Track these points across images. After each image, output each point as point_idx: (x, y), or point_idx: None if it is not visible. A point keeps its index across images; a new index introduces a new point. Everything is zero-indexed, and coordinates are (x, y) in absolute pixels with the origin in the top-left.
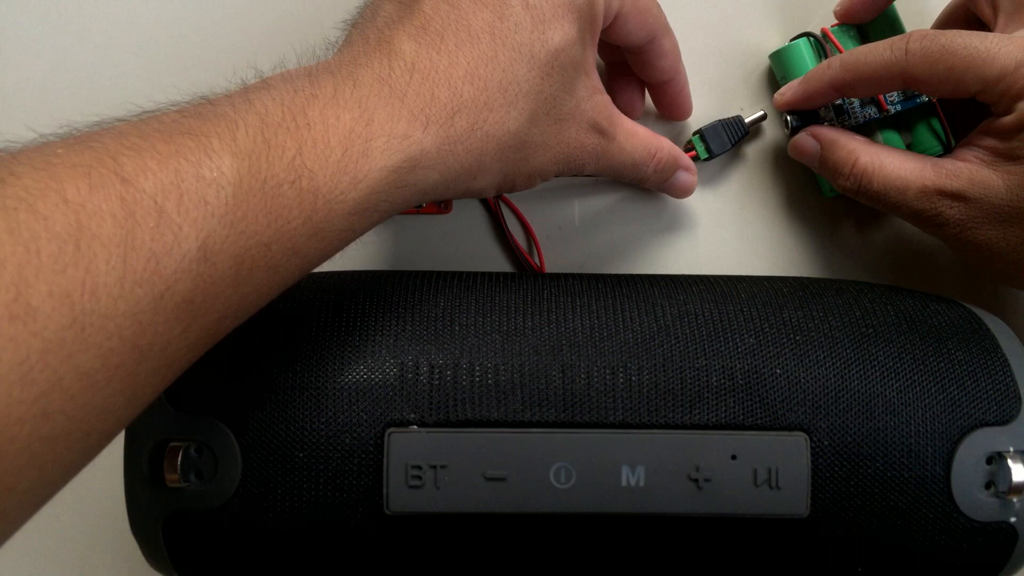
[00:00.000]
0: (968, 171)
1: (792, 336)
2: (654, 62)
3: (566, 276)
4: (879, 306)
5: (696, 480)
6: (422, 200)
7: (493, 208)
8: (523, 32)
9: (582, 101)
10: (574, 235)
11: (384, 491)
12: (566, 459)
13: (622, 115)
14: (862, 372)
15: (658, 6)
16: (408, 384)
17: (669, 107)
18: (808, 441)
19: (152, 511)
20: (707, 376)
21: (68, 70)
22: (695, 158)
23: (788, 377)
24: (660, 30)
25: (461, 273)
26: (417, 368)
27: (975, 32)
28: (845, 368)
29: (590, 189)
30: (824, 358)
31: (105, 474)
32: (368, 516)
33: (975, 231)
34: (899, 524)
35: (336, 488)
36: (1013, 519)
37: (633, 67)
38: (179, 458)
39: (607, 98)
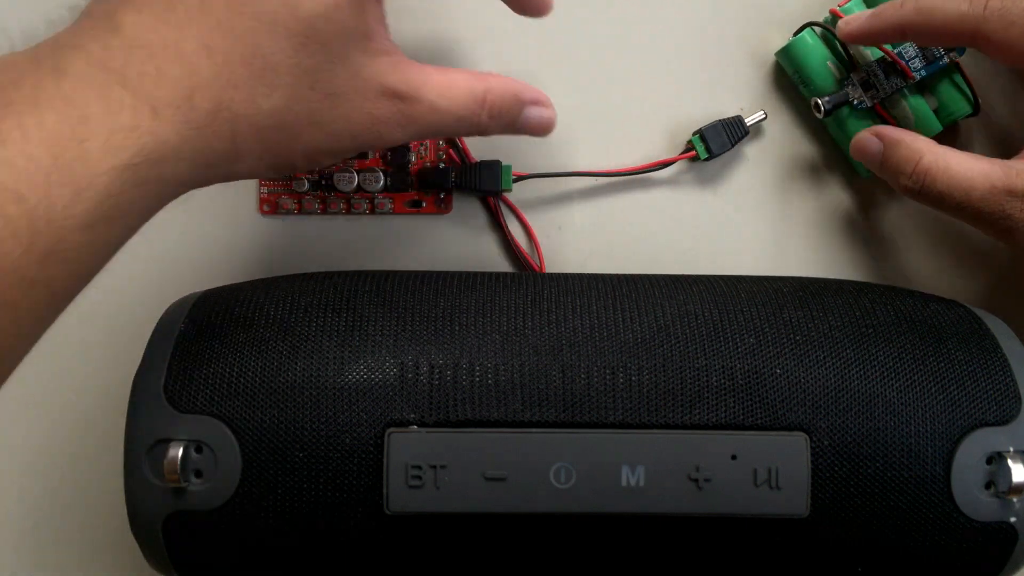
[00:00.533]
0: None
1: (792, 336)
2: None
3: (566, 276)
4: (879, 306)
5: (696, 480)
6: (179, 193)
7: (493, 208)
8: (266, 0)
9: (363, 68)
10: (574, 235)
11: (384, 491)
12: (566, 459)
13: (428, 69)
14: (862, 372)
15: None
16: (408, 384)
17: (523, 7)
18: (808, 441)
19: (152, 511)
20: (707, 376)
21: None
22: (695, 158)
23: (788, 377)
24: None
25: (461, 273)
26: (417, 368)
27: None
28: (845, 368)
29: (590, 189)
30: (824, 358)
31: (105, 474)
32: (368, 516)
33: None
34: (899, 524)
35: (336, 488)
36: (1013, 519)
37: None
38: (179, 458)
39: (399, 58)
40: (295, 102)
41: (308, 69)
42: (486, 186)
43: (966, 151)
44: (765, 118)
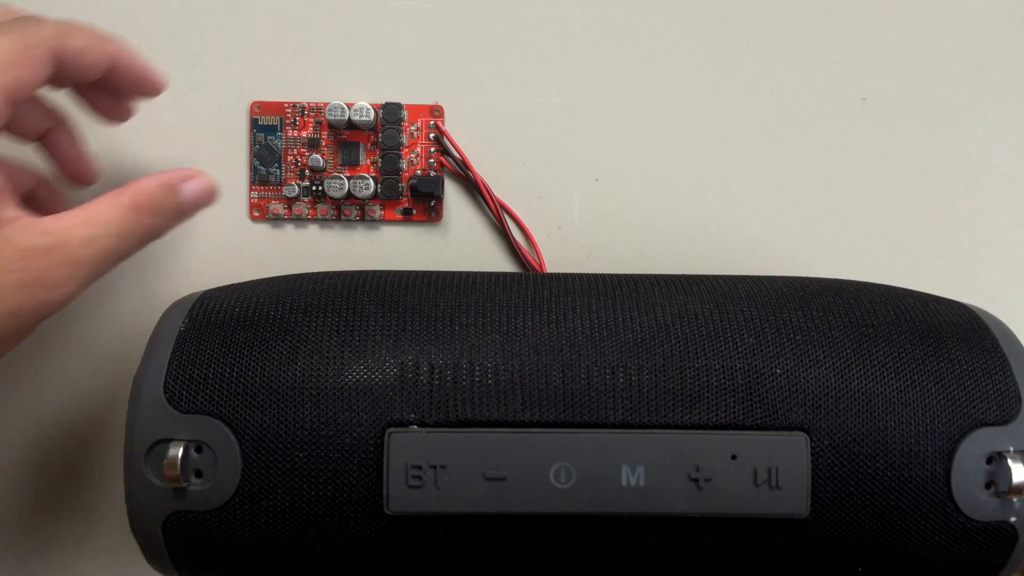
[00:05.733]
0: None
1: (792, 336)
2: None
3: (566, 276)
4: (879, 306)
5: (696, 480)
6: None
7: (494, 212)
8: None
9: None
10: (574, 235)
11: (384, 491)
12: (566, 459)
13: (65, 213)
14: (862, 372)
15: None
16: (408, 384)
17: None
18: (808, 441)
19: (152, 511)
20: (707, 376)
21: None
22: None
23: (788, 377)
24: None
25: (461, 273)
26: (417, 368)
27: None
28: (845, 368)
29: (591, 189)
30: (824, 358)
31: (105, 474)
32: (368, 516)
33: None
34: (899, 524)
35: (336, 488)
36: (1013, 519)
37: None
38: (179, 458)
39: (27, 219)
40: None
41: None
42: None
43: None
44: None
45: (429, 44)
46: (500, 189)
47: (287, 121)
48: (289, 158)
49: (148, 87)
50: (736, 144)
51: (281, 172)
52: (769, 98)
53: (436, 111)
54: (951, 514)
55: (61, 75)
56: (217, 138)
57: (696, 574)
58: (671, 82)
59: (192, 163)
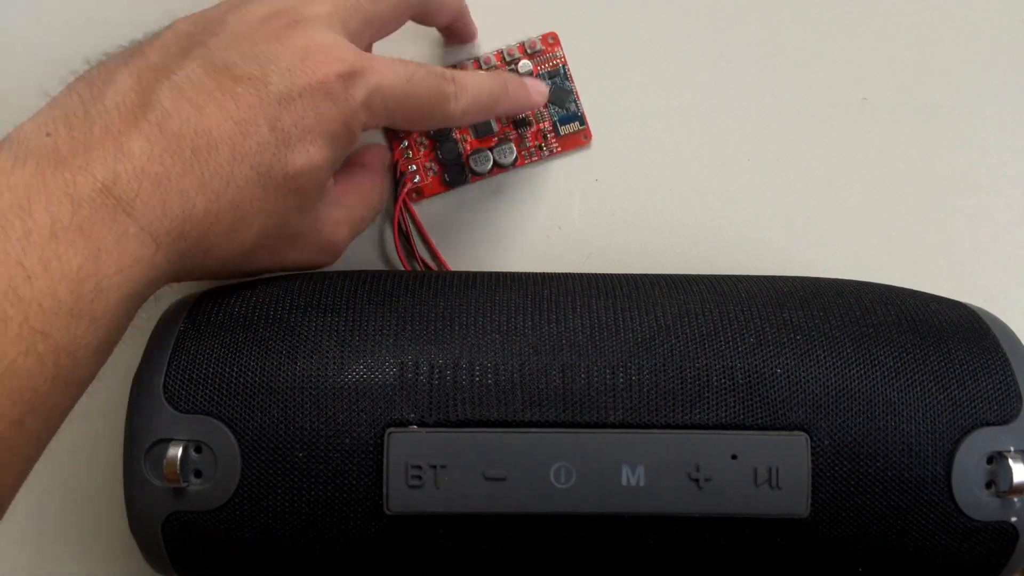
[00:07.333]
0: None
1: (792, 336)
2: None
3: (566, 276)
4: (879, 306)
5: (696, 480)
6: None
7: (395, 218)
8: (265, 153)
9: (320, 213)
10: (574, 235)
11: (384, 491)
12: (566, 459)
13: (350, 189)
14: (863, 372)
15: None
16: (408, 384)
17: (460, 37)
18: (808, 441)
19: (151, 511)
20: (707, 376)
21: None
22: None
23: (788, 377)
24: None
25: (460, 273)
26: (417, 368)
27: None
28: (846, 368)
29: (591, 189)
30: (824, 358)
31: (105, 474)
32: (368, 516)
33: None
34: (900, 524)
35: (336, 488)
36: (1014, 519)
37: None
38: (178, 458)
39: (331, 196)
40: (263, 239)
41: (281, 214)
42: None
43: None
44: None
45: (427, 44)
46: (500, 189)
47: None
48: None
49: (467, 40)
50: (736, 144)
51: None
52: (769, 98)
53: None
54: (952, 514)
55: (418, 18)
56: None
57: (696, 574)
58: (671, 82)
59: None
